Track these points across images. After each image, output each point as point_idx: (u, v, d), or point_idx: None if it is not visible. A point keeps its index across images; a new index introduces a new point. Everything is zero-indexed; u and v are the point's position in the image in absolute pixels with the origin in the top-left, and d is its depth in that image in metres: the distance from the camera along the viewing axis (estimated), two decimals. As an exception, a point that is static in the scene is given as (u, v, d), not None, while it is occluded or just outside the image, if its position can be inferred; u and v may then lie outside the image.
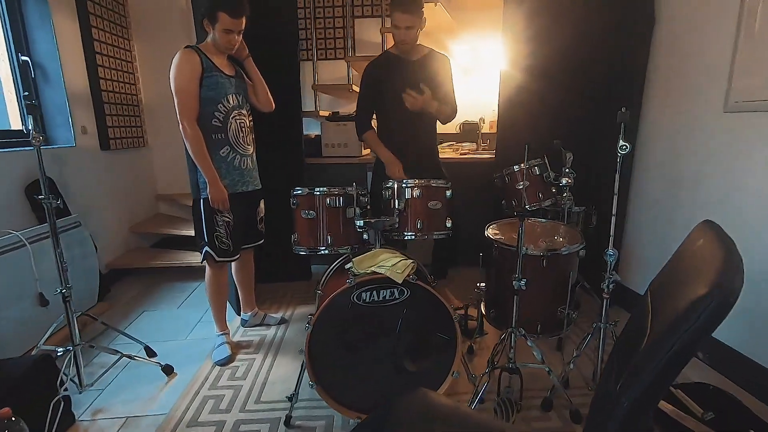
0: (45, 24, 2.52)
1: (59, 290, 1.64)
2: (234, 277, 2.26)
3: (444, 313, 1.49)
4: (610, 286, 1.53)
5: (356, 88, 3.02)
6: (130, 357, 1.85)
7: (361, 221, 1.57)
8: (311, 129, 3.27)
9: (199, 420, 1.62)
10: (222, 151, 1.89)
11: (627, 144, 1.41)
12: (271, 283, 2.83)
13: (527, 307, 1.68)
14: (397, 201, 1.65)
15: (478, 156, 3.11)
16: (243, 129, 1.95)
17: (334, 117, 3.07)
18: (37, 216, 2.34)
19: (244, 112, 1.97)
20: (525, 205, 2.09)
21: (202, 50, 1.84)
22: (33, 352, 1.72)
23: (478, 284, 1.97)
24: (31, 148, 2.42)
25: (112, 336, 2.22)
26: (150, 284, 2.96)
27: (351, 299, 1.46)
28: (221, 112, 1.86)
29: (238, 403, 1.71)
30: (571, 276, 1.68)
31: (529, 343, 1.61)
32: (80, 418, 1.64)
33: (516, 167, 2.10)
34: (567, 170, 2.13)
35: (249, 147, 1.99)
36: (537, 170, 2.08)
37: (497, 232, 1.93)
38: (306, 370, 1.49)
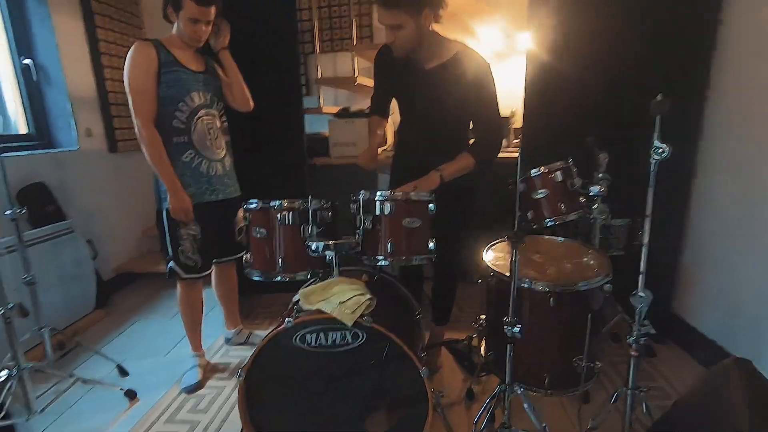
0: (45, 25, 2.48)
1: (-3, 311, 1.52)
2: (214, 291, 2.07)
3: (409, 366, 1.17)
4: (641, 341, 1.12)
5: (362, 81, 2.73)
6: (84, 381, 1.72)
7: (318, 243, 1.28)
8: (324, 127, 3.03)
9: (139, 463, 1.44)
10: (185, 156, 1.69)
11: (664, 146, 1.00)
12: (273, 294, 2.65)
13: (530, 356, 1.31)
14: (362, 217, 1.34)
15: (506, 154, 2.69)
16: (211, 131, 1.74)
17: (342, 114, 2.80)
18: (31, 222, 2.30)
19: (213, 111, 1.75)
20: (545, 220, 1.70)
21: (163, 43, 1.64)
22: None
23: (477, 317, 1.61)
24: (28, 152, 2.43)
25: (89, 352, 2.11)
26: (154, 290, 2.89)
27: (293, 341, 1.18)
28: (183, 112, 1.65)
29: (188, 445, 1.51)
30: (589, 319, 1.27)
31: (525, 406, 1.24)
32: (26, 448, 1.53)
33: (533, 171, 1.70)
34: (600, 175, 1.70)
35: (219, 151, 1.78)
36: (559, 176, 1.67)
37: (503, 254, 1.57)
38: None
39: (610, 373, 1.77)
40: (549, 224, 1.69)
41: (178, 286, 1.83)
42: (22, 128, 2.53)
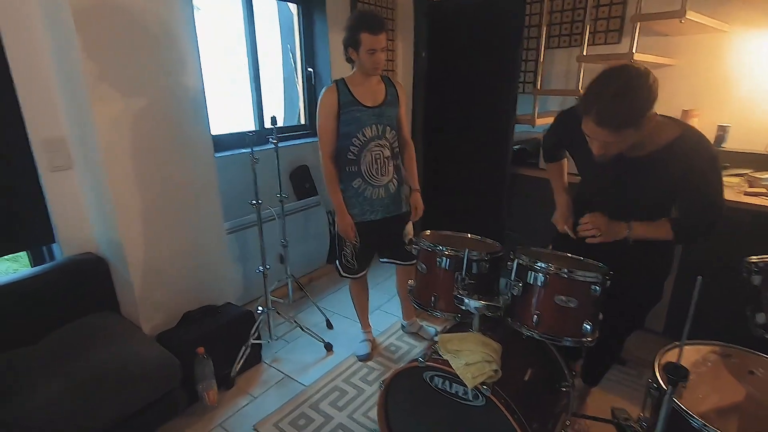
0: (324, 41, 3.17)
1: (259, 269, 2.23)
2: (396, 286, 2.42)
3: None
4: None
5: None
6: (302, 328, 2.35)
7: (464, 297, 1.37)
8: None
9: (319, 406, 1.94)
10: (354, 182, 1.96)
11: None
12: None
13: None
14: (512, 282, 1.33)
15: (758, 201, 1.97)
16: (378, 161, 1.95)
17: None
18: (296, 194, 3.14)
19: (382, 142, 1.94)
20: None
21: (346, 83, 1.88)
22: (258, 302, 2.42)
23: (641, 413, 1.38)
24: (299, 141, 3.24)
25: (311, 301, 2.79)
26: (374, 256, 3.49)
27: (423, 377, 1.35)
28: (356, 146, 1.90)
29: (352, 407, 1.93)
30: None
31: None
32: (265, 360, 2.26)
33: (784, 263, 1.25)
34: None
35: (384, 178, 1.99)
36: (824, 282, 1.18)
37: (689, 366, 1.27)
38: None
39: None
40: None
41: (348, 279, 2.22)
42: (302, 120, 3.39)
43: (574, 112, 1.42)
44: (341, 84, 1.88)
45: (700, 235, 1.31)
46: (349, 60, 1.87)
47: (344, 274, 2.16)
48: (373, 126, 1.90)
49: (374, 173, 1.96)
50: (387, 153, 1.96)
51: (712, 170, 1.25)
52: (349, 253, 2.09)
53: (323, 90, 1.88)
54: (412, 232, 2.17)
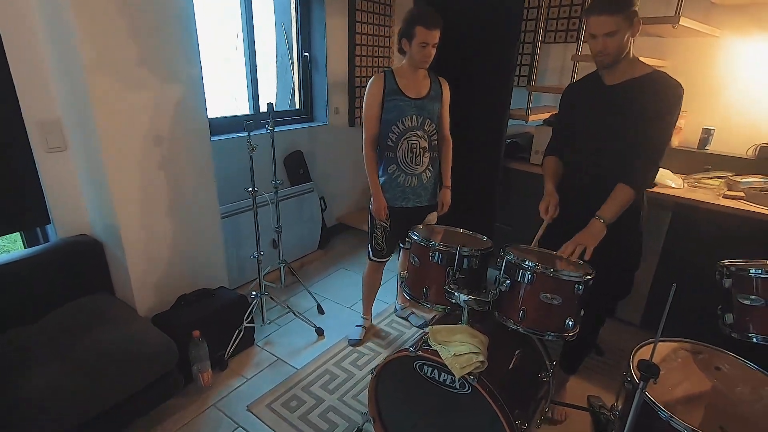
0: (321, 25, 3.14)
1: (253, 255, 2.27)
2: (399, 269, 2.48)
3: (501, 433, 1.25)
4: None
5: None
6: (294, 314, 2.41)
7: (454, 292, 1.43)
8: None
9: (310, 389, 2.01)
10: (390, 168, 2.03)
11: None
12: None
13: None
14: (501, 278, 1.40)
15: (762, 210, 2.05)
16: (413, 150, 2.00)
17: (551, 121, 2.64)
18: (290, 180, 3.16)
19: (420, 133, 1.99)
20: (748, 333, 1.36)
21: (394, 73, 1.95)
22: (251, 286, 2.47)
23: (614, 403, 1.48)
24: (293, 126, 3.24)
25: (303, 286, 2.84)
26: (363, 242, 3.55)
27: (413, 366, 1.42)
28: (395, 134, 1.97)
29: (342, 390, 2.00)
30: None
31: None
32: (258, 343, 2.32)
33: (753, 271, 1.33)
34: None
35: (418, 167, 2.04)
36: (790, 287, 1.27)
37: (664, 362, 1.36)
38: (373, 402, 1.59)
39: None
40: (754, 340, 1.34)
41: (367, 263, 2.29)
42: (297, 105, 3.38)
43: (572, 84, 1.81)
44: (389, 73, 1.95)
45: (649, 184, 1.57)
46: (401, 51, 1.93)
47: (373, 258, 2.22)
48: (414, 117, 1.96)
49: (409, 162, 2.02)
50: (423, 144, 2.01)
51: (676, 109, 1.46)
52: (380, 235, 2.15)
53: (372, 78, 1.96)
54: (434, 222, 2.22)
